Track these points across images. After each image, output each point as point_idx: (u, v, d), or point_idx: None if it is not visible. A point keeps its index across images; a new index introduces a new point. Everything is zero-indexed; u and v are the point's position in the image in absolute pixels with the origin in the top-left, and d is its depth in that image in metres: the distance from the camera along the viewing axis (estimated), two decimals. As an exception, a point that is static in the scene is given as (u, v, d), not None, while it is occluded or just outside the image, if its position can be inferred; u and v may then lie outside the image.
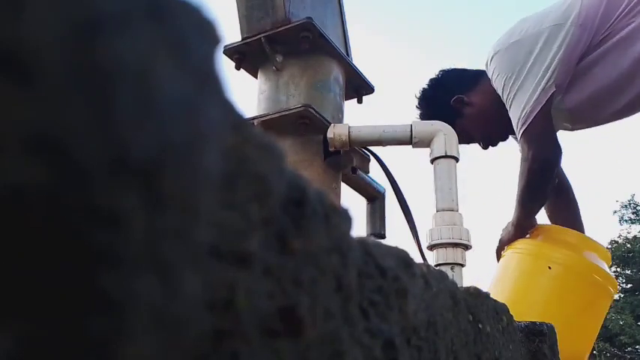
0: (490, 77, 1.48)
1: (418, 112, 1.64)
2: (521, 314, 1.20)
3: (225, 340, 0.17)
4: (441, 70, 1.67)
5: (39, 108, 0.11)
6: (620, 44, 1.32)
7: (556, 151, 1.39)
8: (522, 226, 1.43)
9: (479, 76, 1.59)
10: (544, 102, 1.32)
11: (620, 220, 15.26)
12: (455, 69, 1.67)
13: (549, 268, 1.32)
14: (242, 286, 0.18)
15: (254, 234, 0.19)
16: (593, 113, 1.44)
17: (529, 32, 1.37)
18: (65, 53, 0.12)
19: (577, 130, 1.58)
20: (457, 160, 1.27)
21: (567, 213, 1.67)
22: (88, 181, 0.12)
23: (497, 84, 1.44)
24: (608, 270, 1.38)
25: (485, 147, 1.63)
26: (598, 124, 1.54)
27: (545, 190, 1.41)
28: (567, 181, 1.73)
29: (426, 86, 1.64)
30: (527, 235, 1.43)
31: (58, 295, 0.12)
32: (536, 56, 1.34)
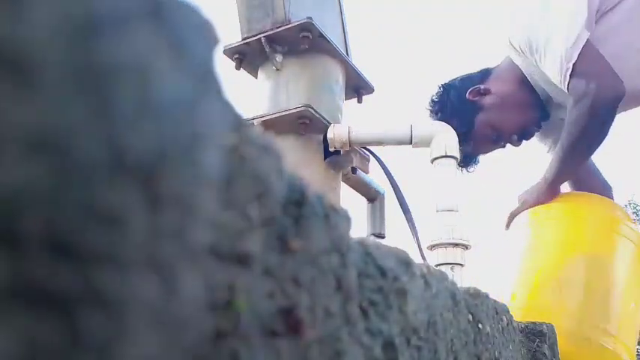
0: (510, 39, 1.28)
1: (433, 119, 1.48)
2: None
3: (226, 340, 0.17)
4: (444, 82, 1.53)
5: (39, 108, 0.11)
6: None
7: (620, 84, 1.12)
8: (555, 185, 1.21)
9: (488, 69, 1.44)
10: (587, 36, 1.13)
11: (620, 220, 15.23)
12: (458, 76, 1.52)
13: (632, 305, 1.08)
14: (242, 286, 0.18)
15: (254, 234, 0.19)
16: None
17: None
18: (65, 53, 0.12)
19: None
20: (457, 160, 1.27)
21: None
22: (88, 180, 0.12)
23: (522, 38, 1.24)
24: None
25: (519, 140, 1.42)
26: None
27: (604, 134, 1.15)
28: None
29: (434, 95, 1.50)
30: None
31: (58, 295, 0.12)
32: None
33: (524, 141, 1.44)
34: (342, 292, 0.25)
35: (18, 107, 0.11)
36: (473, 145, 1.44)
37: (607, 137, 1.17)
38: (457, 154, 1.26)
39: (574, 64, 1.14)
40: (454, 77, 1.52)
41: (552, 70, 1.19)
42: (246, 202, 0.18)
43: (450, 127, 1.28)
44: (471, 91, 1.40)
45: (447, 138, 1.25)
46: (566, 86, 1.17)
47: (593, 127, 1.15)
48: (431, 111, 1.49)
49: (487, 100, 1.39)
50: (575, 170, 1.24)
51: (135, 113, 0.13)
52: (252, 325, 0.19)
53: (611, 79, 1.14)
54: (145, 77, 0.13)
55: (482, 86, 1.40)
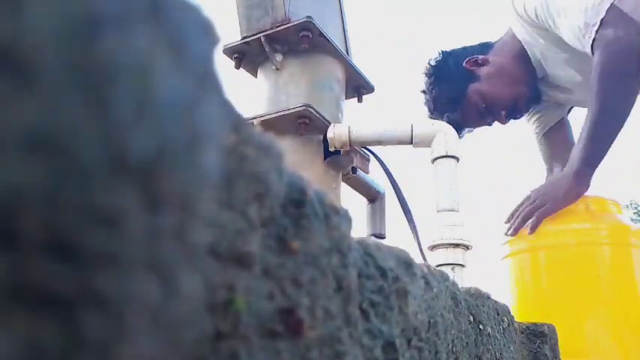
0: (524, 6, 1.22)
1: (425, 89, 1.45)
2: None
3: (225, 341, 0.17)
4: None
5: (38, 108, 0.11)
6: None
7: None
8: (586, 174, 1.07)
9: (489, 42, 1.43)
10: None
11: (621, 221, 15.20)
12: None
13: None
14: (242, 286, 0.18)
15: (254, 234, 0.19)
16: None
17: None
18: (64, 53, 0.12)
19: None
20: (458, 160, 1.27)
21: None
22: (87, 180, 0.12)
23: (537, 5, 1.17)
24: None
25: (507, 117, 1.38)
26: None
27: (636, 89, 1.02)
28: None
29: (432, 59, 1.46)
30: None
31: (57, 296, 0.12)
32: None
33: (512, 120, 1.40)
34: (342, 292, 0.25)
35: (17, 107, 0.11)
36: (461, 115, 1.41)
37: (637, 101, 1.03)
38: (458, 154, 1.26)
39: (602, 20, 1.05)
40: (455, 47, 1.48)
41: (572, 28, 1.12)
42: (246, 202, 0.18)
43: (447, 122, 1.26)
44: (468, 60, 1.39)
45: (447, 138, 1.25)
46: (590, 43, 1.09)
47: (624, 76, 1.02)
48: (426, 74, 1.46)
49: (483, 70, 1.37)
50: (609, 146, 1.07)
51: (134, 113, 0.13)
52: (252, 326, 0.19)
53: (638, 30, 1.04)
54: (144, 77, 0.13)
55: (480, 56, 1.38)
